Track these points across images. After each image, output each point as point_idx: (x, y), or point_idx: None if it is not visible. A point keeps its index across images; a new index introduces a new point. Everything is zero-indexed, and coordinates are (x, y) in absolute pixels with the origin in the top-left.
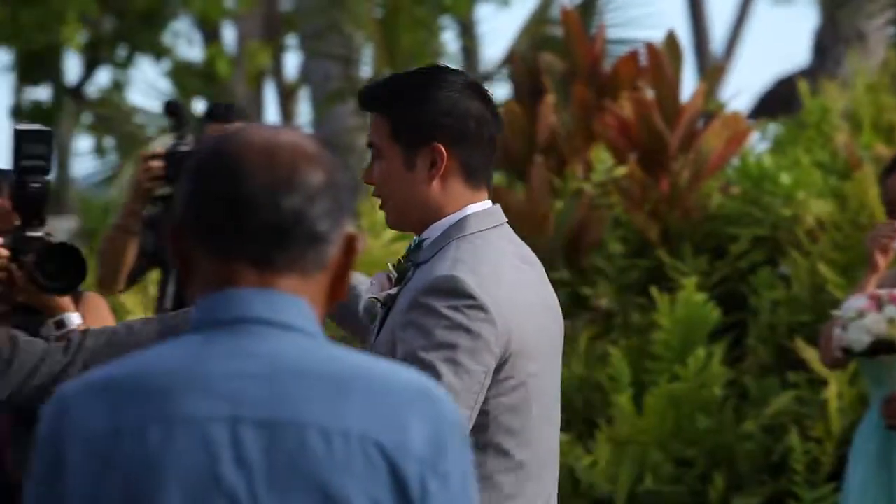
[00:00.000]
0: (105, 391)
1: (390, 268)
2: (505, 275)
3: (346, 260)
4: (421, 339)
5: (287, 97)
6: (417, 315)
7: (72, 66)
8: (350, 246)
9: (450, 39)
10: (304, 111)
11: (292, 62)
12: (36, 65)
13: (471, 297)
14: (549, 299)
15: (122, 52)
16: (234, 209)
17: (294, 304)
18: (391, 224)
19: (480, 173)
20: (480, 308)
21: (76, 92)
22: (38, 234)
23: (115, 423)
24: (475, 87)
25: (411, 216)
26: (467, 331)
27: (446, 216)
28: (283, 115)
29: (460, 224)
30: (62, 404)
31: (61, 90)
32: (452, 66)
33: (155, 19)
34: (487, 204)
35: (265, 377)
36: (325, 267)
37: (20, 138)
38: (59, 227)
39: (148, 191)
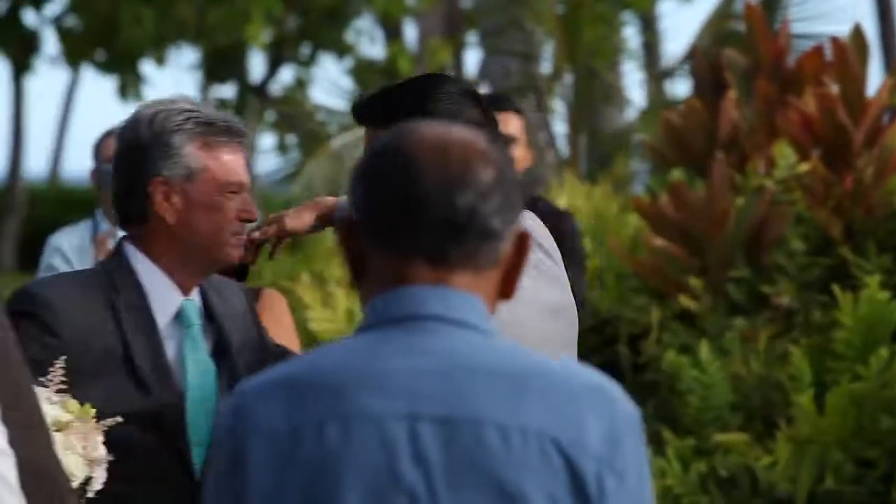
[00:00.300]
0: (283, 388)
1: None
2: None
3: (517, 257)
4: None
5: None
6: None
7: (256, 65)
8: (522, 243)
9: (631, 35)
10: None
11: (472, 59)
12: (221, 63)
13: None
14: (555, 300)
15: (305, 50)
16: (409, 206)
17: (468, 301)
18: None
19: None
20: None
21: (260, 90)
22: None
23: (293, 420)
24: (471, 94)
25: None
26: None
27: None
28: None
29: None
30: (241, 401)
31: (246, 88)
32: (635, 61)
33: (338, 17)
34: None
35: (441, 374)
36: (497, 264)
37: None
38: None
39: None
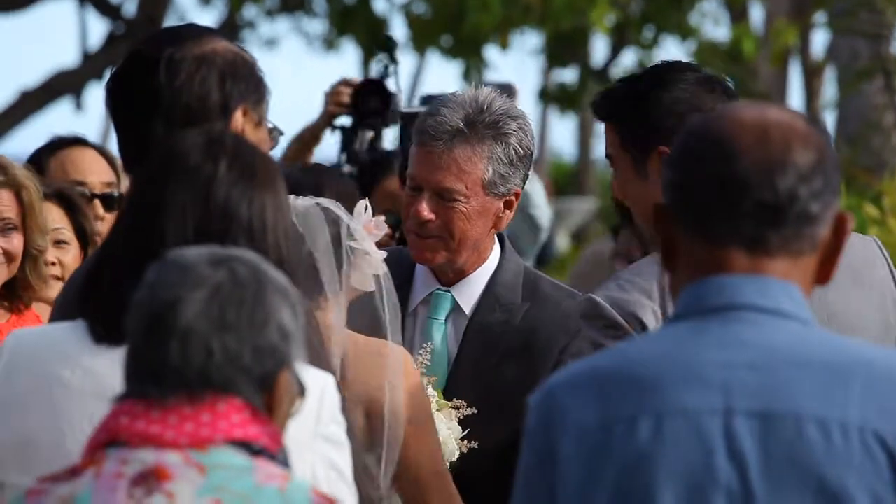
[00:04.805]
0: (593, 382)
1: None
2: None
3: (836, 241)
4: None
5: (812, 76)
6: None
7: (598, 48)
8: (841, 226)
9: None
10: (828, 90)
11: (819, 40)
12: (564, 47)
13: None
14: None
15: (648, 33)
16: (728, 190)
17: (785, 290)
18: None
19: None
20: None
21: (601, 73)
22: None
23: (605, 415)
24: (708, 80)
25: None
26: None
27: None
28: (807, 93)
29: None
30: (551, 395)
31: (587, 72)
32: None
33: (683, 0)
34: None
35: (759, 367)
36: (815, 248)
37: (407, 121)
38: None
39: (331, 115)
